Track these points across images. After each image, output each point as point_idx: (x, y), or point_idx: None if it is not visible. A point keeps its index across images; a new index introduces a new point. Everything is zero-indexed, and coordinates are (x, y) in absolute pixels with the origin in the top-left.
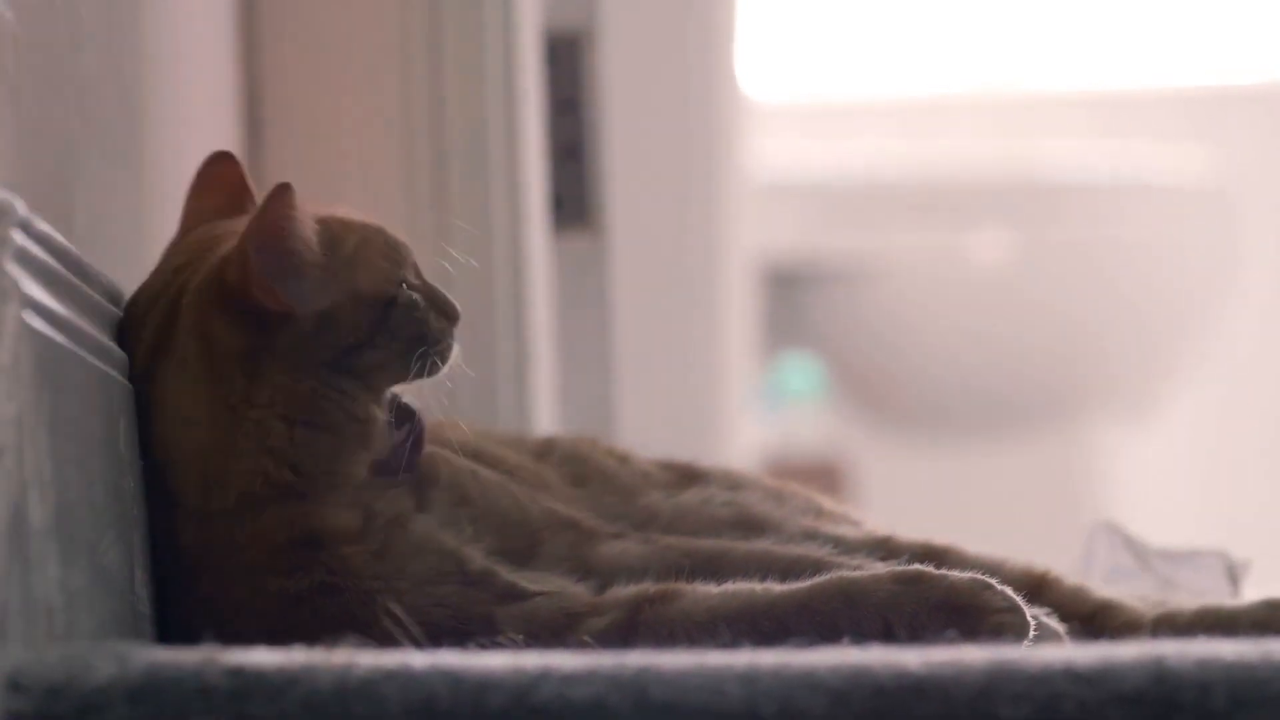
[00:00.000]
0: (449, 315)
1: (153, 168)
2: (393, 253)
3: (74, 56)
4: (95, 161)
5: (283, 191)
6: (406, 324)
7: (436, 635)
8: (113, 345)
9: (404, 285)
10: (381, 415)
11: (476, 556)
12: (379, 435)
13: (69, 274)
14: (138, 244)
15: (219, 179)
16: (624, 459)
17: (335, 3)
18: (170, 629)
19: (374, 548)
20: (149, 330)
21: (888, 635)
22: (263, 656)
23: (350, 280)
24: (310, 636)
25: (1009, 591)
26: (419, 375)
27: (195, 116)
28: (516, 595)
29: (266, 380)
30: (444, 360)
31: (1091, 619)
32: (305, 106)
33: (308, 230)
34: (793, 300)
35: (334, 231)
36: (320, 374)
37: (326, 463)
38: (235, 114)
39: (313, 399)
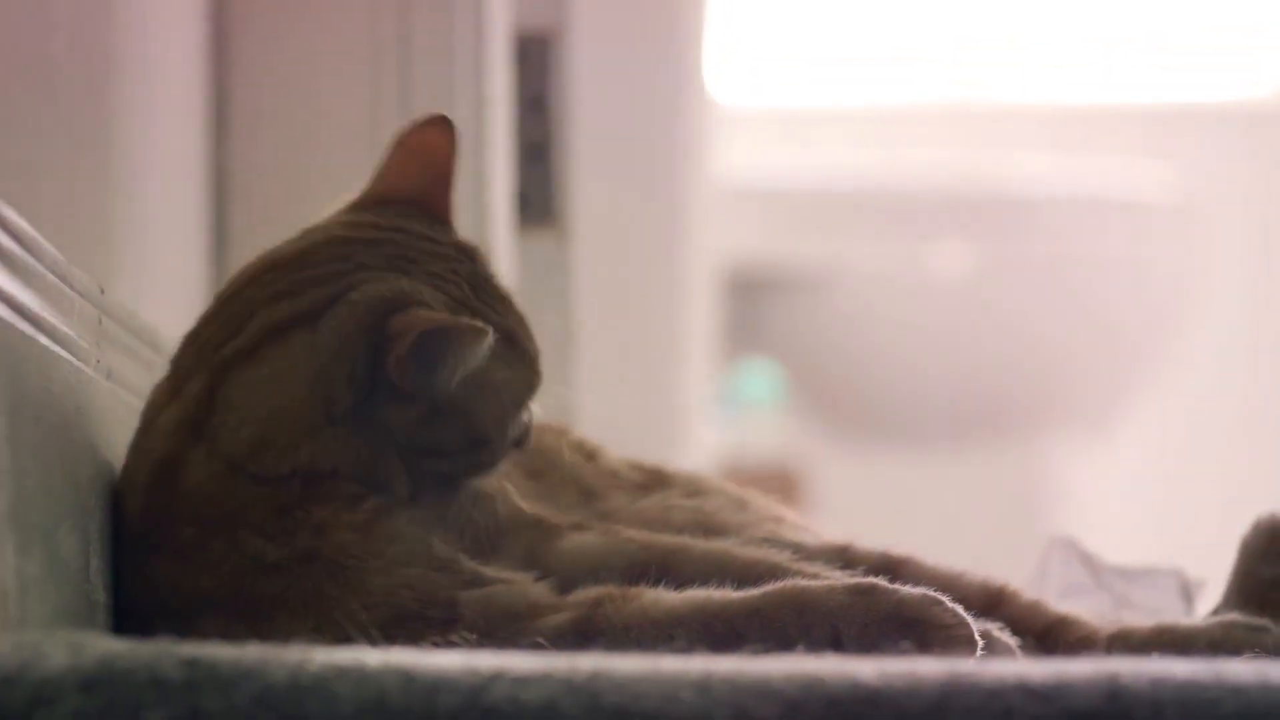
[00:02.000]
0: (520, 446)
1: (119, 157)
2: (518, 401)
3: (43, 45)
4: (62, 149)
5: (471, 326)
6: (485, 459)
7: (400, 618)
8: (73, 334)
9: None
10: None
11: (443, 546)
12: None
13: (33, 260)
14: (103, 231)
15: (427, 147)
16: (592, 454)
17: (305, 0)
18: (131, 584)
19: (359, 526)
20: (288, 279)
21: (837, 644)
22: (217, 649)
23: (470, 409)
24: (270, 610)
25: (959, 609)
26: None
27: (162, 106)
28: (479, 581)
29: (358, 417)
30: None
31: (1047, 634)
32: (273, 100)
33: (476, 353)
34: (754, 306)
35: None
36: (392, 448)
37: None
38: (203, 105)
39: (372, 462)
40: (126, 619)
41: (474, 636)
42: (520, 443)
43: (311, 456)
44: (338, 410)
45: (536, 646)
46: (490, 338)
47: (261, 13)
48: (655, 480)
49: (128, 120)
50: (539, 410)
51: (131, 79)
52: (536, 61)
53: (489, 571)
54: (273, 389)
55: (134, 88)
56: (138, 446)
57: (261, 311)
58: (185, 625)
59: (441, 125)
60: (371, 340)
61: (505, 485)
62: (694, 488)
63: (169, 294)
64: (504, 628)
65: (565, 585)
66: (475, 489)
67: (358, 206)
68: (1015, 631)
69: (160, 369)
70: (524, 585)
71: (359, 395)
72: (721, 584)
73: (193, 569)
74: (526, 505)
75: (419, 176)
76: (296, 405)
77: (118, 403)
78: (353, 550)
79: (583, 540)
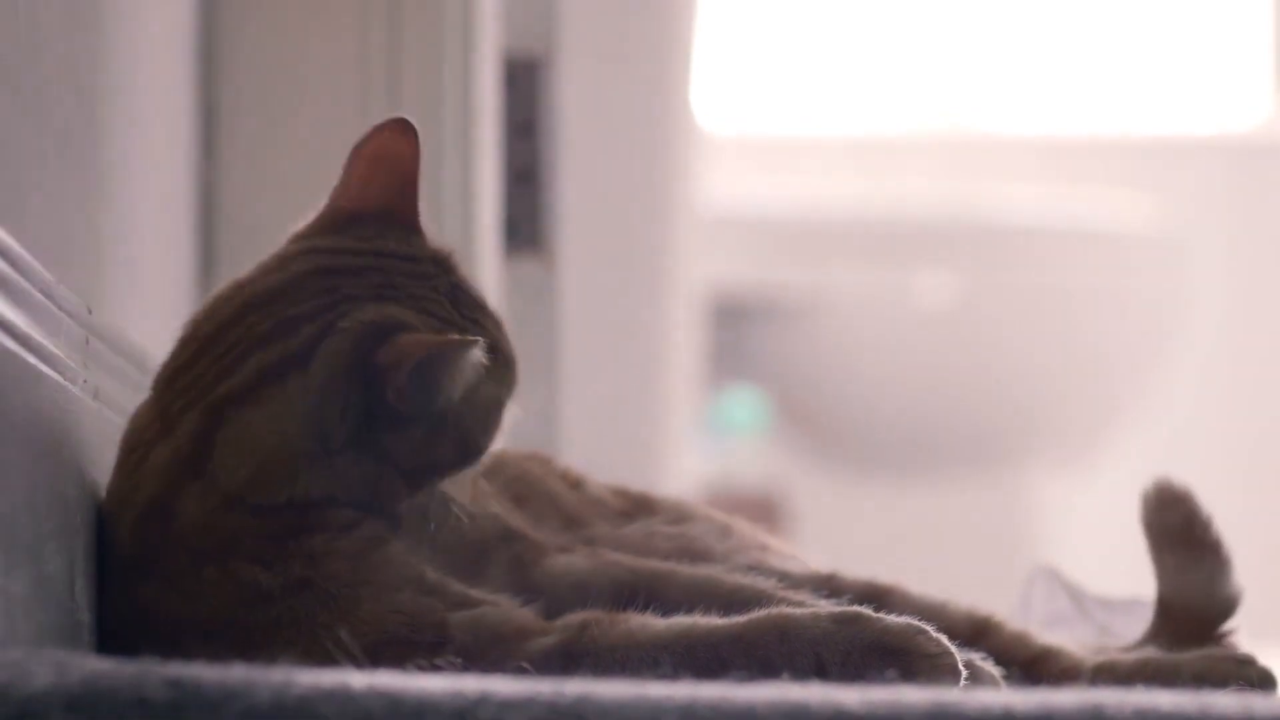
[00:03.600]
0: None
1: (107, 176)
2: (502, 405)
3: (33, 62)
4: (51, 167)
5: (462, 342)
6: (473, 462)
7: (388, 643)
8: (61, 353)
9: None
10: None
11: (434, 571)
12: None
13: (20, 279)
14: (91, 251)
15: (390, 154)
16: (577, 484)
17: (294, 20)
18: (118, 608)
19: (351, 555)
20: (275, 317)
21: (821, 673)
22: (202, 670)
23: (463, 423)
24: (260, 638)
25: (943, 638)
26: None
27: (151, 126)
28: (468, 603)
29: (357, 445)
30: None
31: (1032, 665)
32: (262, 121)
33: (469, 367)
34: (738, 333)
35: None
36: (392, 470)
37: (368, 505)
38: (192, 124)
39: (372, 485)
40: (110, 641)
41: (460, 660)
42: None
43: (308, 486)
44: (334, 443)
45: (522, 670)
46: (480, 348)
47: (250, 33)
48: (640, 507)
49: (116, 140)
50: (518, 411)
51: (120, 98)
52: (525, 86)
53: (476, 593)
54: (272, 427)
55: (123, 107)
56: (125, 482)
57: (256, 353)
58: (172, 652)
59: (401, 128)
60: (363, 372)
61: (487, 500)
62: (679, 515)
63: (157, 314)
64: (491, 650)
65: (551, 607)
66: (451, 502)
67: (328, 225)
68: (1000, 662)
69: (147, 389)
70: (511, 608)
71: (355, 426)
72: (707, 610)
73: (183, 596)
74: (511, 519)
75: (385, 186)
76: (294, 441)
77: (104, 422)
78: (344, 578)
79: (568, 562)
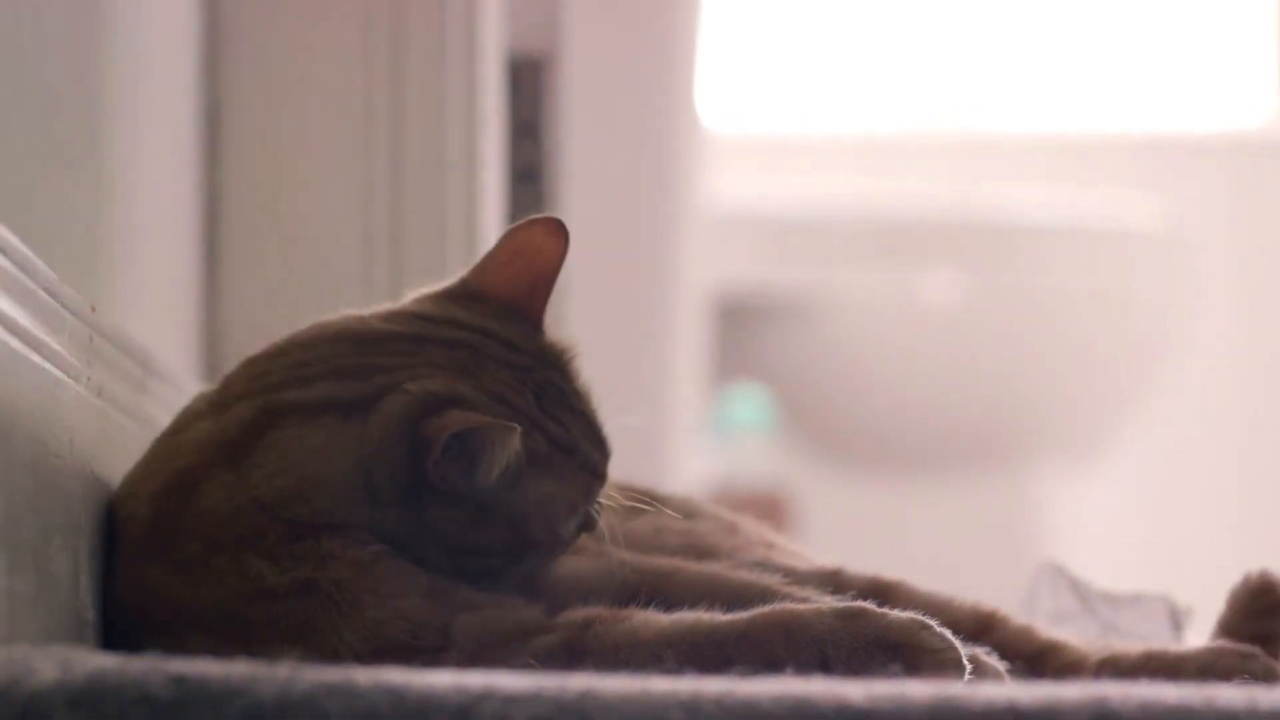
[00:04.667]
0: (586, 529)
1: (111, 175)
2: (572, 507)
3: (37, 64)
4: (55, 166)
5: (496, 425)
6: (535, 560)
7: (391, 648)
8: (64, 352)
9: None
10: None
11: (439, 578)
12: None
13: (24, 277)
14: (95, 250)
15: (534, 249)
16: None
17: (297, 20)
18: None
19: (361, 564)
20: (362, 357)
21: (825, 668)
22: (206, 666)
23: (517, 515)
24: (261, 635)
25: (946, 633)
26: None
27: (155, 125)
28: (473, 606)
29: (403, 508)
30: None
31: (1037, 659)
32: (265, 121)
33: (506, 452)
34: (743, 332)
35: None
36: (434, 542)
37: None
38: (195, 123)
39: (409, 546)
40: (111, 624)
41: (464, 661)
42: (585, 528)
43: (344, 518)
44: (380, 498)
45: (526, 667)
46: (518, 435)
47: (254, 33)
48: (646, 502)
49: (120, 139)
50: (605, 501)
51: (124, 97)
52: (529, 86)
53: (483, 596)
54: (321, 457)
55: (126, 106)
56: (161, 447)
57: (330, 380)
58: (171, 638)
59: (553, 229)
60: (412, 442)
61: None
62: (686, 510)
63: (160, 312)
64: (495, 651)
65: (557, 606)
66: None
67: (451, 296)
68: (1005, 656)
69: (151, 386)
70: (515, 608)
71: (400, 491)
72: (711, 607)
73: (190, 584)
74: None
75: (518, 279)
76: (340, 482)
77: (108, 420)
78: (350, 586)
79: (574, 563)
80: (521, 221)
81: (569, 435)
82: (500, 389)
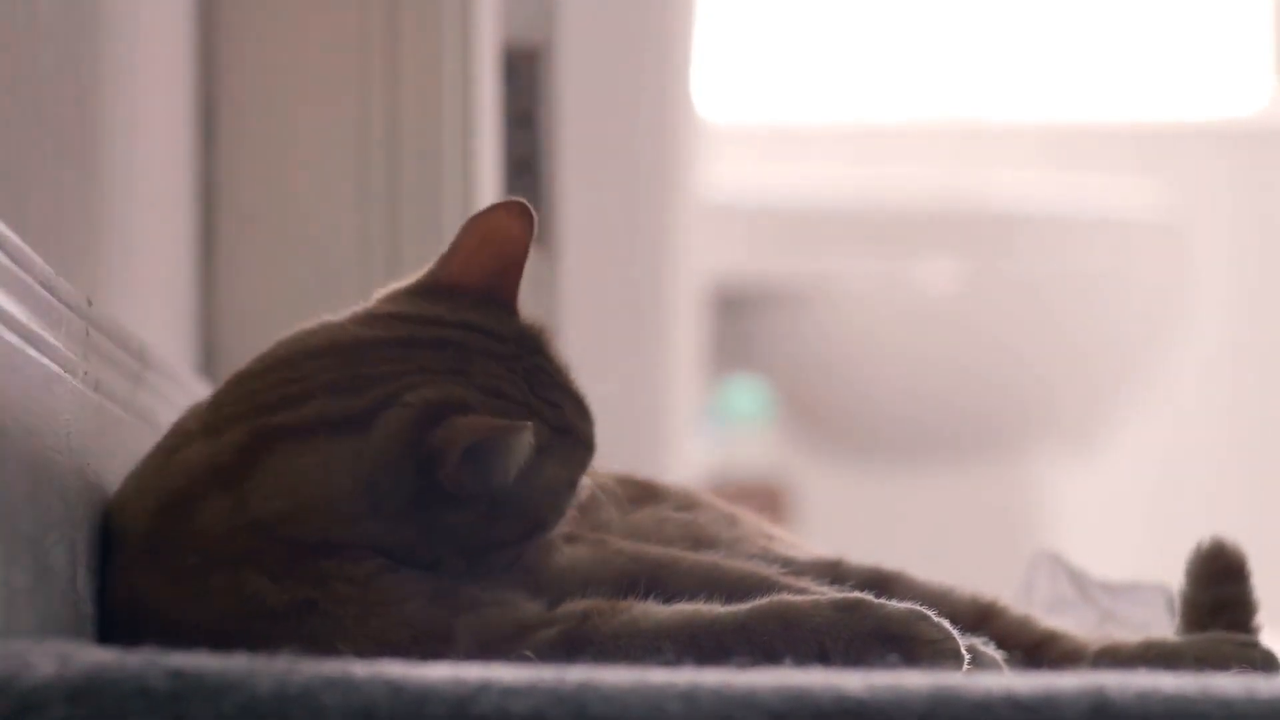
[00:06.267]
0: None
1: (107, 168)
2: (572, 484)
3: (31, 55)
4: (51, 160)
5: (511, 428)
6: (541, 536)
7: (395, 654)
8: (60, 346)
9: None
10: None
11: (444, 580)
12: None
13: (20, 271)
14: (90, 244)
15: (501, 235)
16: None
17: (293, 11)
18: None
19: (360, 580)
20: (349, 370)
21: (823, 660)
22: (204, 660)
23: (527, 503)
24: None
25: (944, 623)
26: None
27: (150, 118)
28: (475, 605)
29: (413, 516)
30: None
31: (1035, 649)
32: (261, 113)
33: (521, 451)
34: (741, 322)
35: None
36: (452, 545)
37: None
38: (191, 117)
39: (420, 551)
40: (106, 624)
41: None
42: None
43: (346, 535)
44: (386, 511)
45: (524, 659)
46: (531, 432)
47: (249, 25)
48: (647, 495)
49: (116, 132)
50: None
51: (119, 90)
52: (524, 77)
53: (487, 595)
54: (320, 478)
55: (122, 99)
56: (156, 464)
57: (320, 398)
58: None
59: (517, 211)
60: (420, 451)
61: None
62: (686, 502)
63: (157, 306)
64: (496, 649)
65: (556, 598)
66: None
67: (424, 292)
68: (1004, 646)
69: (148, 379)
70: (515, 604)
71: (407, 503)
72: (710, 597)
73: (186, 598)
74: None
75: (489, 265)
76: (342, 501)
77: (104, 415)
78: (352, 601)
79: (574, 553)
80: (483, 209)
81: (564, 416)
82: (494, 383)
